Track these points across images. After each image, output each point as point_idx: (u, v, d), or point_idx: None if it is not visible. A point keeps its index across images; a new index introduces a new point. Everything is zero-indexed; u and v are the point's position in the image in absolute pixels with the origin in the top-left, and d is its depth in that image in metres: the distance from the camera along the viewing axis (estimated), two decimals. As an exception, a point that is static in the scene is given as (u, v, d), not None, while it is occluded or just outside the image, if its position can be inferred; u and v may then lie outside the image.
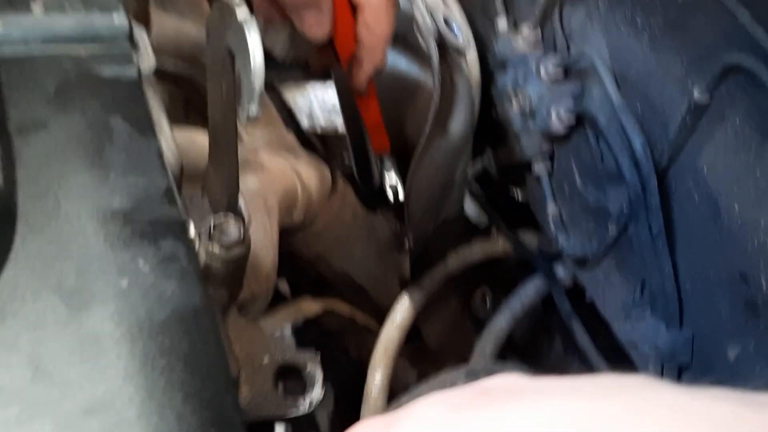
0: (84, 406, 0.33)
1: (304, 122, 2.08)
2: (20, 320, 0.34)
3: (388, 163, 1.02)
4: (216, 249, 0.54)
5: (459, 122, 0.86)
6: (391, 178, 1.03)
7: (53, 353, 0.34)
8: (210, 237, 0.54)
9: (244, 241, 0.55)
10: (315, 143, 1.49)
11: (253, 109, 0.57)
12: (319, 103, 2.26)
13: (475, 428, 0.26)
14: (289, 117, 1.31)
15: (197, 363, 0.36)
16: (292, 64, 1.49)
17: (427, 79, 1.04)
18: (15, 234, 0.37)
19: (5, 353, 0.33)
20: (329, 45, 0.90)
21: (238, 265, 0.56)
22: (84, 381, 0.33)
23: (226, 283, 0.56)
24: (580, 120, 0.89)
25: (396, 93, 1.05)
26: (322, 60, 0.93)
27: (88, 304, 0.35)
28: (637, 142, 0.77)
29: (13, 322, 0.34)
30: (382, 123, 0.96)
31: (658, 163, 0.78)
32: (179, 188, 0.47)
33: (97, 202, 0.38)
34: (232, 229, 0.55)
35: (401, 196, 1.04)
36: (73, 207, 0.38)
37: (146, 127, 0.42)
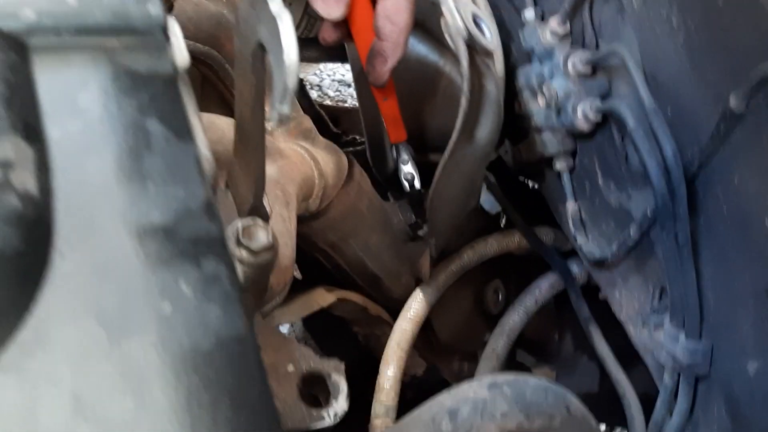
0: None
1: (313, 95, 2.05)
2: (61, 349, 0.32)
3: (404, 152, 0.99)
4: (244, 254, 0.52)
5: (486, 129, 0.83)
6: (407, 167, 1.01)
7: (94, 386, 0.32)
8: (238, 242, 0.52)
9: (272, 246, 0.53)
10: (325, 119, 1.46)
11: (285, 108, 0.54)
12: (328, 73, 2.23)
13: None
14: (304, 99, 1.28)
15: (242, 397, 0.34)
16: (305, 42, 1.45)
17: (447, 65, 1.01)
18: (52, 249, 0.35)
19: (46, 386, 0.31)
20: (342, 21, 0.86)
21: (265, 269, 0.54)
22: (127, 417, 0.32)
23: (252, 288, 0.55)
24: (606, 118, 0.87)
25: (414, 79, 1.02)
26: (334, 34, 0.89)
27: (131, 332, 0.33)
28: (668, 149, 0.75)
29: (53, 351, 0.32)
30: (400, 115, 0.94)
31: (686, 169, 0.76)
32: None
33: (136, 216, 0.36)
34: (261, 234, 0.53)
35: (417, 185, 1.01)
36: (110, 221, 0.36)
37: (184, 131, 0.40)
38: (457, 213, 0.92)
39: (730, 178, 0.74)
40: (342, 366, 0.56)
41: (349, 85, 2.07)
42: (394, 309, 0.99)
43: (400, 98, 0.94)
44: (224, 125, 0.81)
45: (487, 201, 1.21)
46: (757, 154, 0.71)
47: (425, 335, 1.03)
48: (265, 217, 0.63)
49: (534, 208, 1.09)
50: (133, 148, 0.38)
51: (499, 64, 0.93)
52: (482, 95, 0.84)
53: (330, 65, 2.12)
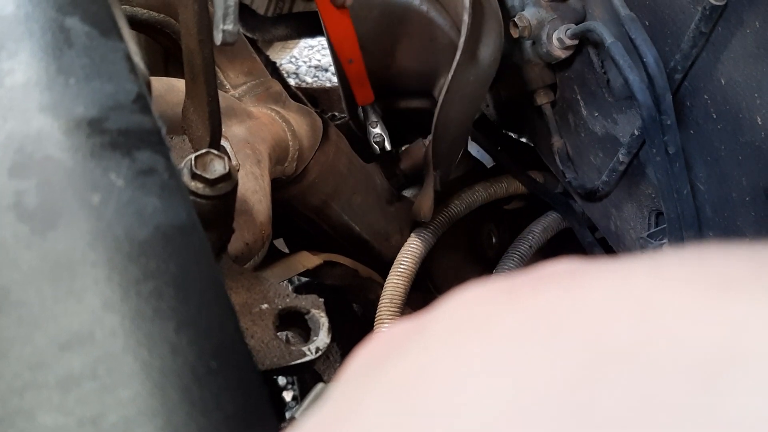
0: (59, 340, 0.28)
1: (291, 83, 2.03)
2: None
3: (372, 114, 0.96)
4: (200, 186, 0.48)
5: (489, 48, 0.78)
6: (377, 129, 0.97)
7: (16, 281, 0.28)
8: (192, 174, 0.48)
9: (231, 176, 0.49)
10: (303, 99, 1.43)
11: (229, 26, 0.51)
12: (304, 60, 2.19)
13: (538, 314, 0.19)
14: (274, 72, 1.25)
15: (189, 287, 0.30)
16: (274, 21, 1.41)
17: (423, 3, 0.96)
18: None
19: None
20: None
21: (225, 203, 0.50)
22: (57, 311, 0.28)
23: (213, 225, 0.51)
24: (583, 45, 0.84)
25: (383, 21, 0.96)
26: None
27: (55, 224, 0.30)
28: (649, 55, 0.71)
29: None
30: (366, 76, 0.90)
31: (670, 78, 0.73)
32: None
33: (56, 110, 0.33)
34: (217, 163, 0.49)
35: (387, 146, 0.98)
36: (28, 118, 0.32)
37: (109, 29, 0.36)
38: (459, 142, 0.88)
39: (716, 80, 0.71)
40: (321, 301, 0.52)
41: (326, 70, 2.04)
42: (386, 272, 0.95)
43: (371, 43, 0.90)
44: (183, 88, 0.77)
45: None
46: (742, 49, 0.68)
47: (422, 296, 0.99)
48: (225, 153, 0.59)
49: (520, 162, 1.05)
50: (51, 45, 0.35)
51: None
52: (483, 11, 0.78)
53: (305, 52, 2.08)
